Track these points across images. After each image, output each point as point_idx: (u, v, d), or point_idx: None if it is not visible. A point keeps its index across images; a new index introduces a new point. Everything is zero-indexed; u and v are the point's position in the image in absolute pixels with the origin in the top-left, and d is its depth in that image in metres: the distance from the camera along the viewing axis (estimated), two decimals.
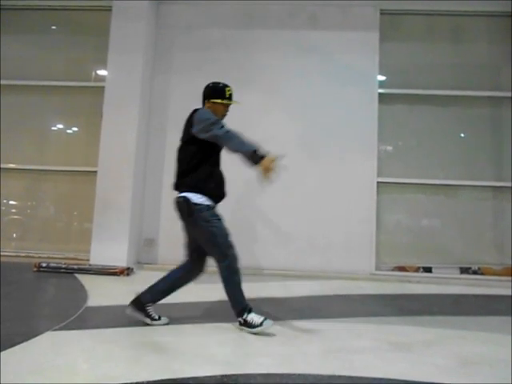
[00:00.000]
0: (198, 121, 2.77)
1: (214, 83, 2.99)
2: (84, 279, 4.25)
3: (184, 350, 2.43)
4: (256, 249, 5.02)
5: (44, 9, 5.59)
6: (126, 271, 4.60)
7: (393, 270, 5.07)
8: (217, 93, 2.92)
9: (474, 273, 4.98)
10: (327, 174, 5.11)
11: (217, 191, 2.83)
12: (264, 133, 5.15)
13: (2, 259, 4.90)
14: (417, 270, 5.05)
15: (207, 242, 2.79)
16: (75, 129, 5.77)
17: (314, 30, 5.28)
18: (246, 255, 4.95)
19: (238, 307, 2.75)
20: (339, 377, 2.10)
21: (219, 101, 2.90)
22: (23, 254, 5.14)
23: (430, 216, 5.22)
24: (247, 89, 5.15)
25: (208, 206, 2.76)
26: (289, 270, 4.89)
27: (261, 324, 2.69)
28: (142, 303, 2.79)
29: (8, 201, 5.52)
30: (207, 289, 3.53)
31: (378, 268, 5.01)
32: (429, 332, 2.92)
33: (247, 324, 2.71)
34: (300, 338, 2.69)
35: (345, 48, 5.25)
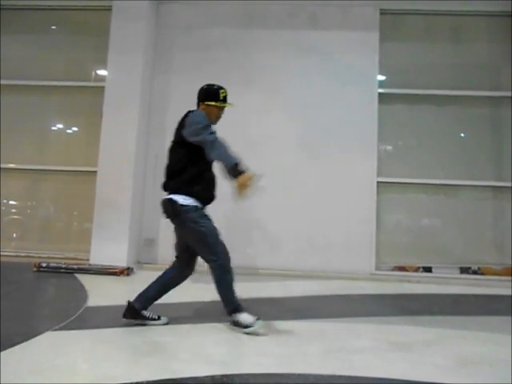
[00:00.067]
0: (190, 124, 2.77)
1: (208, 85, 2.97)
2: (84, 279, 4.24)
3: (183, 349, 2.43)
4: (256, 249, 5.03)
5: (44, 9, 5.59)
6: (126, 271, 4.60)
7: (393, 269, 5.07)
8: (211, 95, 2.90)
9: (474, 273, 4.98)
10: (327, 174, 5.11)
11: (204, 194, 2.79)
12: (264, 133, 5.19)
13: (2, 259, 4.90)
14: (417, 269, 5.05)
15: (197, 242, 2.78)
16: (75, 129, 5.77)
17: (314, 30, 5.28)
18: (245, 255, 5.01)
19: (230, 307, 2.74)
20: (339, 377, 2.10)
21: (213, 103, 2.88)
22: (23, 254, 5.14)
23: (430, 216, 5.22)
24: (247, 89, 5.17)
25: (195, 206, 2.75)
26: (289, 270, 4.89)
27: (253, 324, 2.68)
28: (135, 311, 2.78)
29: (8, 201, 5.52)
30: (205, 288, 3.54)
31: (378, 268, 5.01)
32: (429, 332, 2.92)
33: (239, 324, 2.70)
34: (300, 338, 2.68)
35: (345, 48, 5.25)
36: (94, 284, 4.07)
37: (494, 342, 2.75)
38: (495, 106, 5.25)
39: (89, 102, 5.46)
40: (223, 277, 2.74)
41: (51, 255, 5.08)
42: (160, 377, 2.00)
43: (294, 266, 4.95)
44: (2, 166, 5.37)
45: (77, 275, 4.43)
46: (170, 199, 2.75)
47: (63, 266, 4.64)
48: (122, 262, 4.70)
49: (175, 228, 2.88)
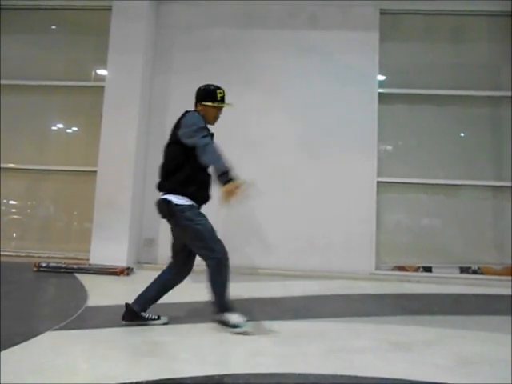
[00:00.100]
0: (185, 125, 2.77)
1: (205, 86, 2.96)
2: (84, 279, 4.24)
3: (183, 349, 2.44)
4: (256, 249, 5.03)
5: (44, 9, 5.59)
6: (126, 271, 4.60)
7: (393, 269, 5.07)
8: (208, 95, 2.89)
9: (474, 272, 4.98)
10: (327, 174, 5.11)
11: (198, 194, 2.78)
12: (264, 133, 5.19)
13: (2, 259, 4.90)
14: (417, 269, 5.05)
15: (193, 240, 2.77)
16: (75, 129, 5.77)
17: (314, 30, 5.28)
18: (245, 255, 5.01)
19: (221, 305, 2.72)
20: (340, 376, 2.11)
21: (210, 104, 2.87)
22: (23, 254, 5.14)
23: (430, 216, 5.22)
24: (247, 89, 5.17)
25: (190, 205, 2.74)
26: (289, 270, 4.89)
27: (241, 325, 2.67)
28: (134, 313, 2.78)
29: (8, 201, 5.52)
30: (205, 288, 3.53)
31: (377, 268, 5.01)
32: (429, 331, 2.92)
33: (227, 323, 2.69)
34: (300, 338, 2.68)
35: (345, 48, 5.25)
36: (94, 284, 4.07)
37: (494, 341, 2.75)
38: (495, 106, 5.25)
39: (89, 101, 5.46)
40: (219, 274, 2.71)
41: (51, 255, 5.08)
42: (160, 377, 2.01)
43: (294, 266, 4.95)
44: (2, 165, 5.37)
45: (77, 275, 4.43)
46: (165, 199, 2.75)
47: (63, 265, 4.64)
48: (121, 261, 4.70)
49: (171, 228, 2.88)
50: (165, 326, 2.81)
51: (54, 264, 4.66)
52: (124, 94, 4.98)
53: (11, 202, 5.54)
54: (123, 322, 2.77)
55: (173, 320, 2.89)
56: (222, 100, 2.92)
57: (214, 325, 2.85)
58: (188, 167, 2.75)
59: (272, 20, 5.34)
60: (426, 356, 2.43)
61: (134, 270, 4.79)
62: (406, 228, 5.23)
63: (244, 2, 5.33)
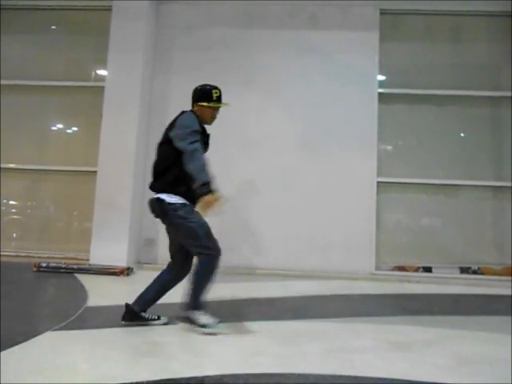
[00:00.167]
0: (178, 126, 2.75)
1: (201, 86, 2.93)
2: (84, 279, 4.24)
3: (183, 349, 2.44)
4: (256, 248, 5.03)
5: (44, 9, 5.59)
6: (126, 271, 4.60)
7: (393, 269, 5.07)
8: (204, 96, 2.87)
9: (474, 272, 4.98)
10: (327, 174, 5.11)
11: (190, 194, 2.74)
12: (264, 132, 5.19)
13: (2, 259, 4.90)
14: (417, 269, 5.05)
15: (187, 237, 2.75)
16: (75, 129, 5.77)
17: (314, 30, 5.28)
18: (245, 255, 5.02)
19: (195, 302, 2.69)
20: (340, 376, 2.11)
21: (205, 104, 2.85)
22: (23, 254, 5.14)
23: (430, 216, 5.22)
24: (247, 89, 5.17)
25: (183, 204, 2.73)
26: (289, 270, 4.89)
27: (211, 325, 2.66)
28: (134, 313, 2.77)
29: (8, 201, 5.52)
30: None
31: (377, 268, 5.01)
32: (429, 331, 2.92)
33: (197, 321, 2.66)
34: (300, 338, 2.68)
35: (345, 48, 5.25)
36: (94, 284, 4.06)
37: (494, 341, 2.75)
38: (495, 106, 5.25)
39: (89, 102, 5.45)
40: (208, 272, 2.69)
41: (51, 255, 5.08)
42: (160, 377, 2.01)
43: (294, 266, 4.95)
44: (2, 165, 5.37)
45: (77, 275, 4.43)
46: (158, 198, 2.74)
47: (63, 265, 4.64)
48: (121, 261, 4.70)
49: (167, 229, 2.87)
50: (165, 326, 2.81)
51: (54, 264, 4.66)
52: (124, 93, 4.98)
53: (11, 202, 5.54)
54: (123, 323, 2.77)
55: (172, 320, 2.88)
56: (218, 100, 2.89)
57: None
58: (176, 168, 2.72)
59: (272, 20, 5.34)
60: (426, 356, 2.43)
61: (134, 270, 4.79)
62: (405, 228, 5.23)
63: (244, 2, 5.33)
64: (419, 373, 2.18)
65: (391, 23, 5.37)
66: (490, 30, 5.32)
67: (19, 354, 2.25)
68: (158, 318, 2.82)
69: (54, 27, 5.71)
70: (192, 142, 2.65)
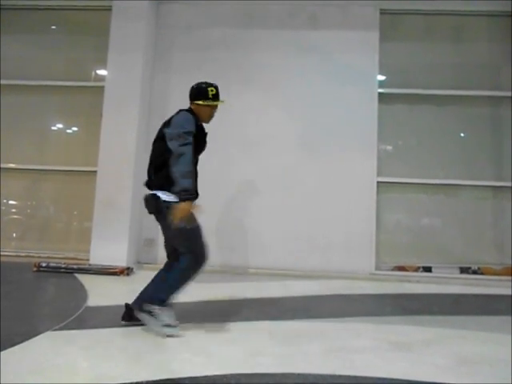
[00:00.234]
0: (173, 124, 2.72)
1: (198, 84, 2.90)
2: (84, 279, 4.24)
3: (183, 349, 2.44)
4: (255, 248, 5.02)
5: (44, 9, 5.59)
6: (126, 271, 4.60)
7: (393, 269, 5.07)
8: (200, 94, 2.83)
9: (474, 272, 4.98)
10: (327, 174, 5.11)
11: None
12: (264, 132, 5.19)
13: (2, 259, 4.90)
14: (417, 269, 5.05)
15: (176, 236, 2.72)
16: (75, 129, 5.77)
17: (314, 30, 5.28)
18: (245, 255, 5.01)
19: (162, 297, 2.64)
20: (340, 376, 2.11)
21: (201, 102, 2.81)
22: (23, 254, 5.14)
23: (430, 216, 5.22)
24: (247, 88, 5.17)
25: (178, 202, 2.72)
26: (289, 270, 4.89)
27: (173, 326, 2.62)
28: (134, 313, 2.76)
29: (8, 201, 5.52)
30: (205, 288, 3.54)
31: (377, 268, 5.01)
32: (429, 331, 2.93)
33: (158, 318, 2.60)
34: (300, 338, 2.69)
35: (345, 48, 5.25)
36: (93, 284, 4.07)
37: (494, 341, 2.75)
38: (495, 106, 5.25)
39: (89, 101, 5.45)
40: (187, 271, 2.67)
41: (51, 255, 5.08)
42: (160, 377, 2.01)
43: (294, 266, 4.95)
44: (2, 165, 5.37)
45: (77, 275, 4.43)
46: (154, 195, 2.72)
47: (63, 265, 4.64)
48: (121, 261, 4.70)
49: (161, 227, 2.85)
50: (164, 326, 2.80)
51: (54, 264, 4.66)
52: (124, 93, 4.98)
53: (11, 201, 5.54)
54: (123, 322, 2.77)
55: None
56: (215, 98, 2.85)
57: (214, 325, 2.86)
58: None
59: (272, 20, 5.34)
60: (426, 356, 2.44)
61: (134, 270, 4.79)
62: (405, 228, 5.23)
63: (244, 2, 5.33)
64: (419, 373, 2.18)
65: (391, 23, 5.37)
66: (490, 30, 5.32)
67: (19, 354, 2.25)
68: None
69: (53, 27, 5.71)
70: (182, 145, 2.60)
